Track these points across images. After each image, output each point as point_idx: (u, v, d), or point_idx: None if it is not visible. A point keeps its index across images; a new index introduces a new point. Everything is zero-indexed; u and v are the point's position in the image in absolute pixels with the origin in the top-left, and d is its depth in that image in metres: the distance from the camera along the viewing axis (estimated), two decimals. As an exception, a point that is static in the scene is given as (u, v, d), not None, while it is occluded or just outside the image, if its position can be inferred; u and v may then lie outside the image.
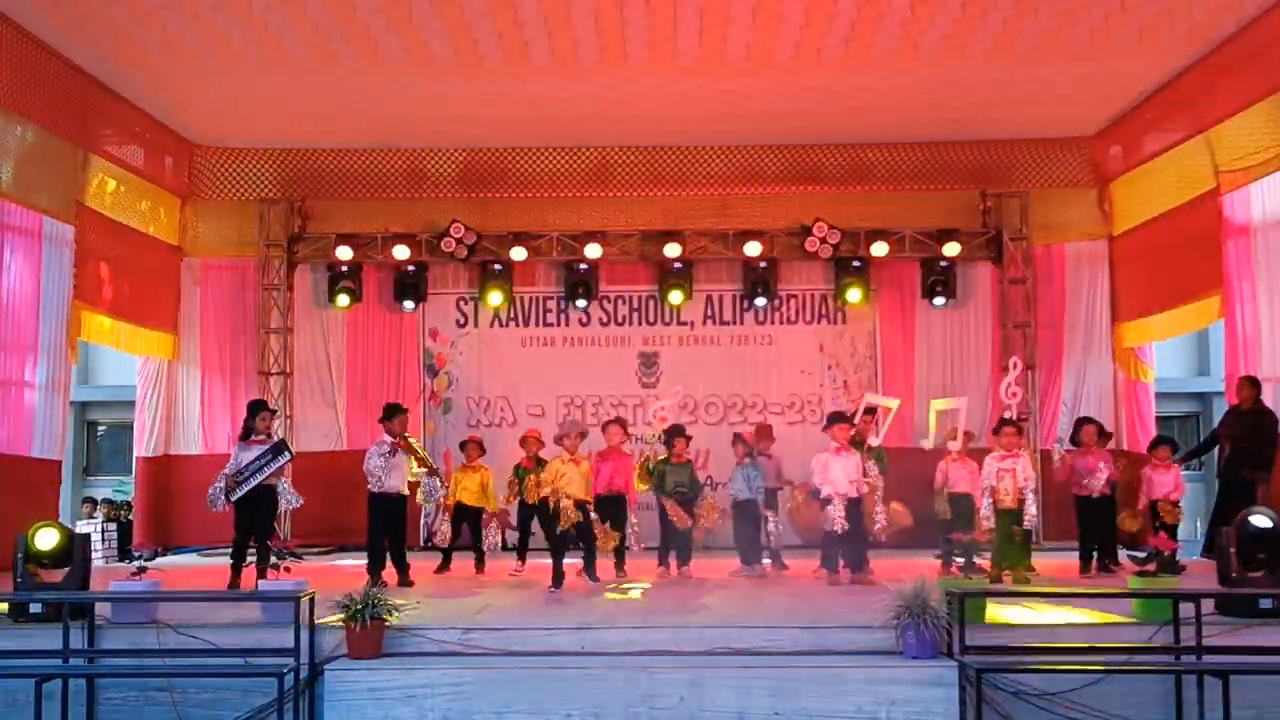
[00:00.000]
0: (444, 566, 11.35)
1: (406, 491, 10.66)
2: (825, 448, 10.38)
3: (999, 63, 11.72)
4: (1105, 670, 6.83)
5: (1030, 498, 9.79)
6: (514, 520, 11.54)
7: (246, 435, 10.18)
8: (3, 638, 7.32)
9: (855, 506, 10.03)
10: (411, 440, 10.90)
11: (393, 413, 10.70)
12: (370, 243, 14.64)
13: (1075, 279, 14.71)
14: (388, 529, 10.50)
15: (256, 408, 10.39)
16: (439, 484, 10.91)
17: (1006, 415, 10.79)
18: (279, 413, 14.24)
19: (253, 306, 14.86)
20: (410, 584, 10.22)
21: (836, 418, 10.58)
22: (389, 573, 10.30)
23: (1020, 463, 9.87)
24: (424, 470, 10.84)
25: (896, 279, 14.85)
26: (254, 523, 9.94)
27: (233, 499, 9.80)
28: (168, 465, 14.64)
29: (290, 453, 10.10)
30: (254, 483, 9.75)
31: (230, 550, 10.09)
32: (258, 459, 9.82)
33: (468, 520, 11.39)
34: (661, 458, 11.09)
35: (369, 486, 10.45)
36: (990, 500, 9.73)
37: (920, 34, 11.01)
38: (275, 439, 10.25)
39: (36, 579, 7.77)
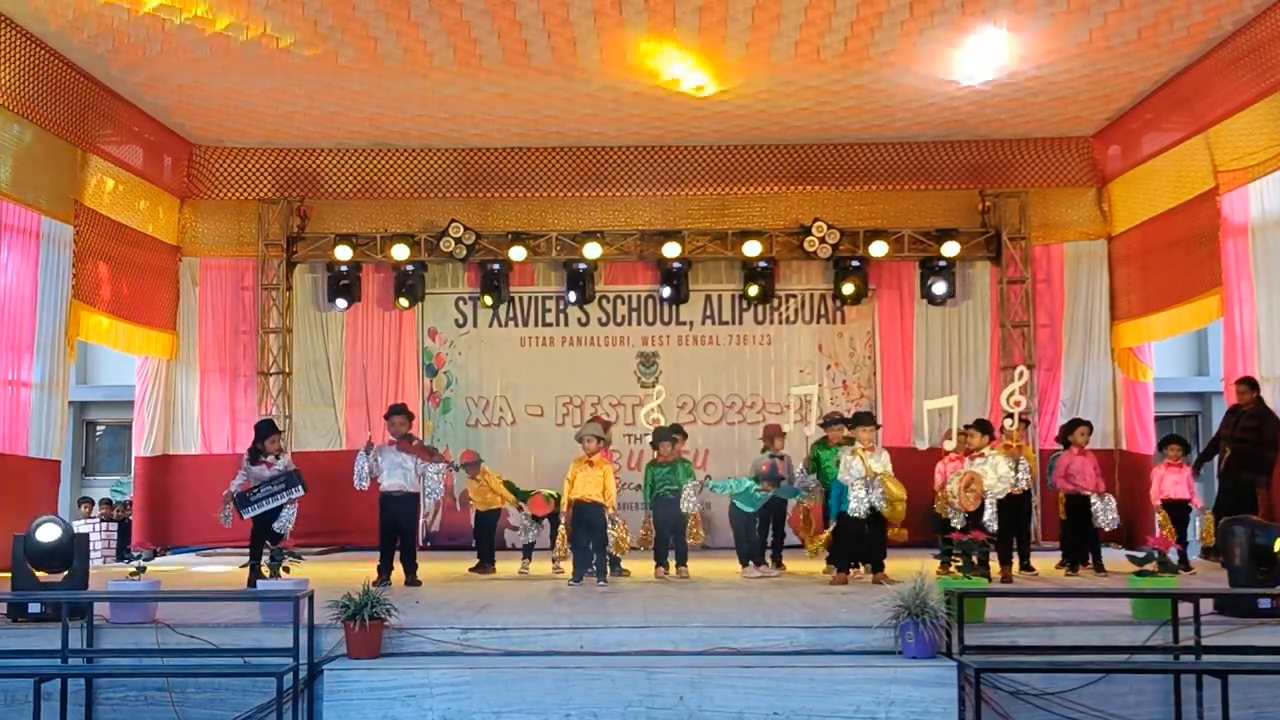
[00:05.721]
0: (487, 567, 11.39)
1: (413, 489, 10.57)
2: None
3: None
4: (1105, 670, 6.83)
5: (988, 501, 9.65)
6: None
7: (255, 457, 10.21)
8: (3, 638, 7.32)
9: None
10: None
11: (390, 413, 10.80)
12: (369, 242, 14.64)
13: (1074, 279, 14.72)
14: (395, 528, 10.44)
15: (266, 430, 10.44)
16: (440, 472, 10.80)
17: (976, 418, 10.81)
18: (278, 413, 14.30)
19: (251, 306, 14.87)
20: (418, 583, 10.20)
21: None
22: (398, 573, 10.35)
23: (985, 465, 9.78)
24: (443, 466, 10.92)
25: (895, 279, 14.85)
26: (267, 526, 10.02)
27: (246, 516, 9.95)
28: (167, 465, 14.64)
29: (304, 488, 10.13)
30: (266, 507, 9.92)
31: (248, 551, 10.23)
32: (270, 483, 9.95)
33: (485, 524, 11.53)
34: (649, 460, 11.14)
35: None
36: (993, 501, 9.65)
37: (919, 34, 11.00)
38: (291, 468, 10.25)
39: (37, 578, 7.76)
